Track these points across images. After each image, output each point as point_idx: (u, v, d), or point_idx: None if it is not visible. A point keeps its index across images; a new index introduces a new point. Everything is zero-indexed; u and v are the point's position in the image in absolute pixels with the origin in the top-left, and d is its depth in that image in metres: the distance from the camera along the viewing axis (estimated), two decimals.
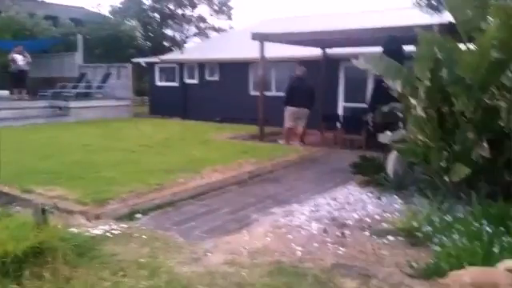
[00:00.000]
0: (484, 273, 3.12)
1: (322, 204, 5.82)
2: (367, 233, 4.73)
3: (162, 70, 18.56)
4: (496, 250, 3.73)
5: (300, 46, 12.39)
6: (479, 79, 4.89)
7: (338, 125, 11.44)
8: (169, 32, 32.31)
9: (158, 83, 18.62)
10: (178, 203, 5.81)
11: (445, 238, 4.06)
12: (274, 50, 12.20)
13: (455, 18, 5.63)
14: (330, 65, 13.25)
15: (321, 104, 12.17)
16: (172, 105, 17.12)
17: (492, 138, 4.82)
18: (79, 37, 18.87)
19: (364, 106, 11.14)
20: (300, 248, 4.30)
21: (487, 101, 4.75)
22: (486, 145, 4.61)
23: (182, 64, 17.66)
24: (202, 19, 33.59)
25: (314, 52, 13.01)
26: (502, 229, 4.10)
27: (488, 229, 4.08)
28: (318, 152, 9.64)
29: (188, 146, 9.74)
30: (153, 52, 22.98)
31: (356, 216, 5.31)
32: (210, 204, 5.91)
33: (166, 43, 30.70)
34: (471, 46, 5.18)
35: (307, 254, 4.16)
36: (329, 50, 13.05)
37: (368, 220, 5.16)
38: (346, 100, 13.63)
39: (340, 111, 13.40)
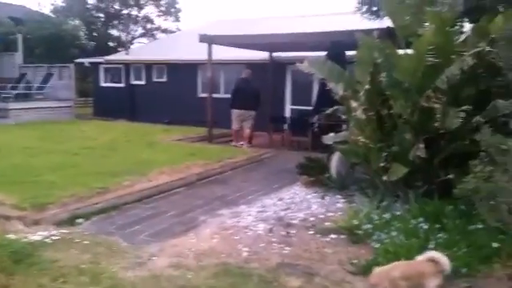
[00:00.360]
0: (410, 265, 3.30)
1: (269, 205, 5.90)
2: (311, 232, 4.84)
3: (107, 70, 18.07)
4: (432, 245, 3.94)
5: (247, 49, 12.47)
6: (416, 83, 5.14)
7: (286, 127, 11.61)
8: (114, 32, 31.53)
9: (103, 84, 18.12)
10: (122, 207, 5.69)
11: (383, 235, 4.24)
12: (223, 52, 12.21)
13: (394, 23, 5.88)
14: (278, 68, 13.42)
15: (269, 106, 12.31)
16: (118, 106, 16.70)
17: (428, 139, 5.07)
18: (19, 36, 18.01)
19: (310, 108, 11.37)
20: (246, 249, 4.34)
21: (423, 103, 4.99)
22: (422, 145, 4.84)
23: (128, 65, 17.28)
24: (148, 20, 33.02)
25: (262, 55, 13.13)
26: (437, 226, 4.34)
27: (424, 226, 4.30)
28: (266, 153, 9.75)
29: (134, 148, 9.55)
30: (97, 52, 22.31)
31: (301, 216, 5.41)
32: (157, 207, 5.83)
33: (111, 43, 29.92)
34: (409, 51, 5.42)
35: (253, 255, 4.21)
36: (276, 54, 13.21)
37: (312, 219, 5.27)
38: (293, 102, 13.85)
39: (287, 113, 13.60)
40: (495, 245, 3.87)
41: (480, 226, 4.13)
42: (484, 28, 5.14)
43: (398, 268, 3.22)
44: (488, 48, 4.83)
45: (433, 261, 3.19)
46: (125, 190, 6.15)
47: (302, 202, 6.02)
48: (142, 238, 4.70)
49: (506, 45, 4.47)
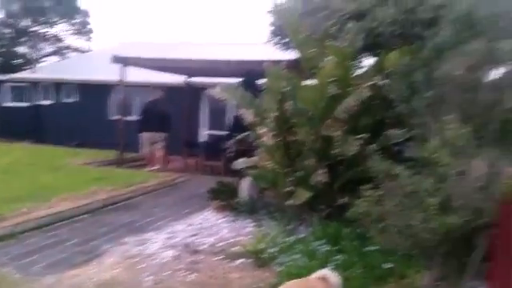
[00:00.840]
0: (302, 283, 3.44)
1: (178, 231, 5.82)
2: (220, 257, 4.85)
3: (12, 89, 16.94)
4: (331, 266, 4.12)
5: (162, 72, 12.39)
6: (319, 112, 5.44)
7: (202, 151, 11.62)
8: (22, 49, 29.74)
9: (7, 103, 16.93)
10: (19, 235, 5.30)
11: (287, 258, 4.37)
12: (138, 75, 12.02)
13: (301, 54, 6.20)
14: (194, 93, 13.46)
15: (184, 130, 12.27)
16: (23, 127, 15.62)
17: (330, 165, 5.35)
18: None
19: (225, 133, 11.51)
20: (151, 277, 4.24)
21: (324, 131, 5.28)
22: (323, 171, 5.11)
23: (36, 83, 16.35)
24: (59, 38, 31.63)
25: (179, 79, 13.10)
26: (336, 247, 4.55)
27: (324, 247, 4.49)
28: (179, 178, 9.65)
29: (37, 173, 8.97)
30: (2, 70, 20.90)
31: (210, 241, 5.41)
32: (58, 235, 5.51)
33: (18, 61, 28.17)
34: (313, 82, 5.73)
35: (158, 283, 4.12)
36: (193, 79, 13.25)
37: (221, 244, 5.29)
38: (209, 127, 13.94)
39: (203, 138, 13.62)
40: (388, 265, 4.14)
41: (375, 248, 4.39)
42: (381, 63, 5.59)
43: (291, 287, 3.34)
44: (382, 81, 5.26)
45: (323, 278, 3.36)
46: (23, 217, 5.74)
47: (212, 226, 6.03)
48: (39, 268, 4.40)
49: (398, 78, 4.88)
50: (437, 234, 3.12)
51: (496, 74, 3.82)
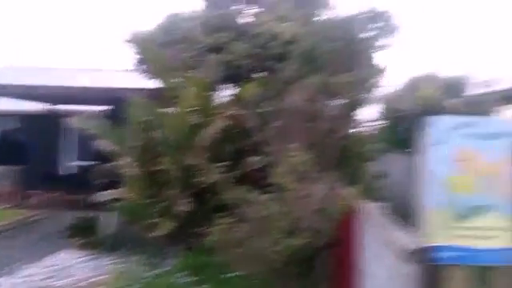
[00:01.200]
0: None
1: (31, 274, 5.33)
2: None
3: None
4: None
5: (21, 99, 11.35)
6: (182, 140, 5.44)
7: (63, 184, 10.81)
8: None
9: None
10: None
11: None
12: None
13: (163, 84, 6.18)
14: (57, 121, 12.54)
15: (45, 162, 11.33)
16: None
17: (194, 194, 5.35)
18: None
19: (92, 164, 10.88)
20: None
21: (188, 160, 5.29)
22: (185, 200, 5.08)
23: None
24: None
25: (39, 107, 12.11)
26: (199, 277, 4.52)
27: (186, 279, 4.44)
28: (37, 215, 8.85)
29: None
30: None
31: (66, 283, 5.02)
32: None
33: None
34: (175, 111, 5.73)
35: None
36: (58, 106, 12.34)
37: (79, 285, 4.94)
38: (76, 158, 13.07)
39: (67, 170, 12.71)
40: None
41: (236, 274, 4.46)
42: (239, 93, 5.82)
43: None
44: (241, 111, 5.46)
45: None
46: None
47: (69, 267, 5.62)
48: None
49: (253, 109, 5.13)
50: (283, 256, 3.29)
51: (333, 104, 4.21)
